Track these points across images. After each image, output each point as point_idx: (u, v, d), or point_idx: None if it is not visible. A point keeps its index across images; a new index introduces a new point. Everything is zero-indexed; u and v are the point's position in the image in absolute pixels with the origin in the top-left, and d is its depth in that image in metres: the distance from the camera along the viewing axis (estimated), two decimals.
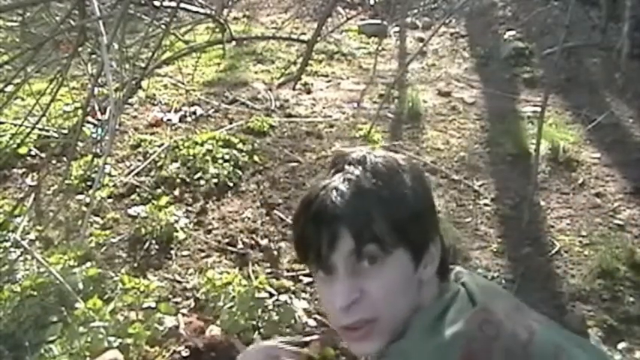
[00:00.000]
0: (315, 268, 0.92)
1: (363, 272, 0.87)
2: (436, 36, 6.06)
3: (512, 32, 5.88)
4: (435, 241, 0.94)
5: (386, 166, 0.91)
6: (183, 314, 2.40)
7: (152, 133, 3.99)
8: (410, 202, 0.89)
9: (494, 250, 2.89)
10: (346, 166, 0.90)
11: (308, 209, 0.90)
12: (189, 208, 3.19)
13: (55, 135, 3.76)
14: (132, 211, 3.11)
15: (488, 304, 0.90)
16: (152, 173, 3.49)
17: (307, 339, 1.22)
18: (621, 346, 2.30)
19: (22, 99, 4.25)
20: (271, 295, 2.42)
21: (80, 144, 3.49)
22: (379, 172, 0.89)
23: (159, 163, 3.55)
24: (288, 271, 2.69)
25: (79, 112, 3.63)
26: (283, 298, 2.39)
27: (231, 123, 4.14)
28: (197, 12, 2.77)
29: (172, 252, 2.83)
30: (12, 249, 2.68)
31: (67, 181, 3.21)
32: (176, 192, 3.30)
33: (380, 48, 5.62)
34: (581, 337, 0.94)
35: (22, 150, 3.58)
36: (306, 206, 0.90)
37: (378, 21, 6.38)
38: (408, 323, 0.88)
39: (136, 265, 2.74)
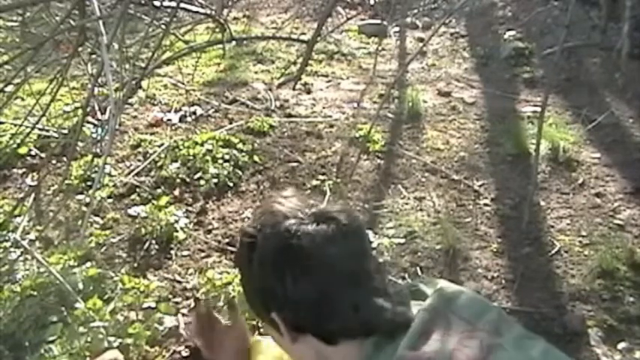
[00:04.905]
0: None
1: None
2: (436, 36, 6.06)
3: (512, 32, 5.87)
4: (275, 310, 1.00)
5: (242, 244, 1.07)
6: (183, 314, 2.40)
7: (152, 133, 3.99)
8: (255, 277, 1.03)
9: (494, 250, 2.89)
10: None
11: None
12: (189, 208, 3.19)
13: (55, 135, 3.76)
14: (132, 211, 3.11)
15: (410, 345, 0.90)
16: (152, 173, 3.49)
17: None
18: (621, 346, 2.30)
19: (22, 99, 4.25)
20: None
21: (80, 144, 3.49)
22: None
23: (159, 163, 3.55)
24: None
25: (79, 112, 3.63)
26: None
27: (231, 123, 4.14)
28: (197, 12, 2.76)
29: (172, 252, 2.83)
30: (12, 249, 2.67)
31: (67, 181, 3.21)
32: (176, 192, 3.31)
33: (380, 48, 5.63)
34: (556, 351, 0.92)
35: (22, 150, 3.58)
36: None
37: (378, 21, 6.38)
38: None
39: (136, 265, 2.74)
